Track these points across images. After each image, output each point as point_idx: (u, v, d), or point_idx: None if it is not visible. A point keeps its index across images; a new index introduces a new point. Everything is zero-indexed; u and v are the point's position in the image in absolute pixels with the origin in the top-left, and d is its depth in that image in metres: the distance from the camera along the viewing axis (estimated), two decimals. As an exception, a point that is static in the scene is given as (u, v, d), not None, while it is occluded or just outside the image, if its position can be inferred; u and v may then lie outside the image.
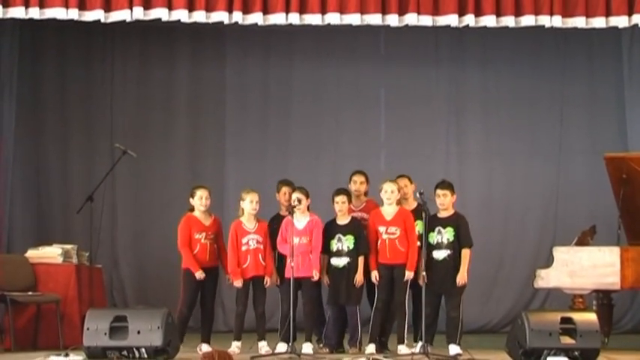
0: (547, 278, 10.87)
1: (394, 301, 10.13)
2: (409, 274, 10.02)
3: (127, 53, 13.90)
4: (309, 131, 13.90)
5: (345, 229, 10.24)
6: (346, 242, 10.21)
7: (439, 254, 9.99)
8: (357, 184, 10.67)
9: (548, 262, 11.08)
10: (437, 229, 10.01)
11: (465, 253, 10.04)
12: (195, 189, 10.45)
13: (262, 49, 13.89)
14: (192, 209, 10.41)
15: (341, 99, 13.94)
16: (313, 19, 10.75)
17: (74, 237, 12.06)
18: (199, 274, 10.17)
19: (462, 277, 9.96)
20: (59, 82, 13.72)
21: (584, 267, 10.69)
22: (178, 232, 10.31)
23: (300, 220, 10.13)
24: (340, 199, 10.24)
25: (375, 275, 10.06)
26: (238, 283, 10.21)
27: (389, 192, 10.11)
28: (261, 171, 13.48)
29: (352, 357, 9.67)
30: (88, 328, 9.29)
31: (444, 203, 10.09)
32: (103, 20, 10.66)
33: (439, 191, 10.13)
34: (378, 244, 10.10)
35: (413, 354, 9.60)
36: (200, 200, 10.34)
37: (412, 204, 10.40)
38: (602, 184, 11.73)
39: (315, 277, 10.12)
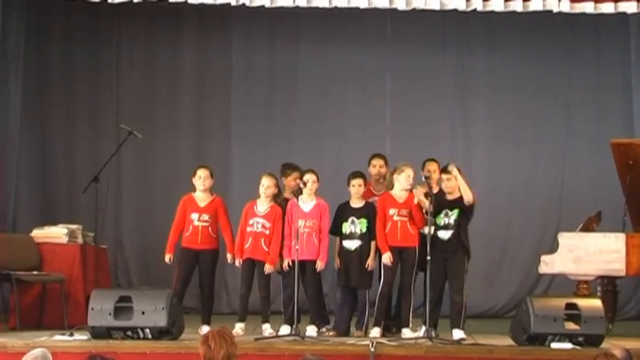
0: (552, 264, 10.88)
1: (401, 284, 10.15)
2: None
3: (133, 36, 13.87)
4: (315, 115, 13.88)
5: (359, 213, 10.25)
6: (359, 225, 10.22)
7: (445, 234, 10.01)
8: (377, 167, 10.66)
9: (552, 247, 11.11)
10: (444, 211, 10.04)
11: (467, 191, 10.05)
12: (196, 168, 10.49)
13: (268, 32, 13.87)
14: (194, 189, 10.43)
15: (346, 83, 13.91)
16: (320, 1, 10.70)
17: (79, 217, 12.07)
18: (167, 258, 10.29)
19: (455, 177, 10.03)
20: (66, 63, 13.70)
21: (589, 253, 10.70)
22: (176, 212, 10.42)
23: (307, 202, 10.12)
24: (357, 182, 10.25)
25: (389, 256, 10.06)
26: (237, 262, 10.25)
27: (410, 178, 10.13)
28: (266, 154, 13.45)
29: (357, 340, 9.68)
30: (92, 308, 9.36)
31: (450, 186, 10.11)
32: (110, 0, 10.64)
33: (444, 175, 10.16)
34: (388, 226, 10.11)
35: (417, 338, 9.61)
36: (199, 180, 10.35)
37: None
38: (607, 171, 11.73)
39: (320, 268, 10.13)
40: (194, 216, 10.32)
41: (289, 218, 10.16)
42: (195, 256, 10.32)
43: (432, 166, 10.47)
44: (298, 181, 10.28)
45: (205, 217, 10.32)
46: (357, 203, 10.30)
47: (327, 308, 10.76)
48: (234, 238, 10.39)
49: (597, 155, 13.00)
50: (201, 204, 10.37)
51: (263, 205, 10.27)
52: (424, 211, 10.00)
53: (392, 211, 10.11)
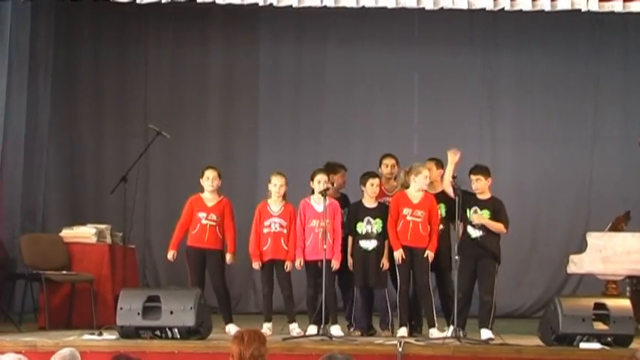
0: (580, 264, 10.84)
1: (417, 284, 10.15)
2: (430, 254, 10.04)
3: (161, 36, 13.93)
4: (342, 115, 13.89)
5: (374, 213, 10.25)
6: (375, 225, 10.22)
7: (474, 232, 10.00)
8: (389, 167, 10.68)
9: (581, 247, 11.07)
10: (474, 208, 10.02)
11: (500, 225, 10.02)
12: (203, 169, 10.48)
13: (295, 32, 13.90)
14: (202, 190, 10.45)
15: (374, 82, 13.91)
16: (347, 1, 10.67)
17: (108, 217, 12.15)
18: (169, 255, 10.31)
19: (482, 219, 9.95)
20: (94, 64, 13.78)
21: (617, 253, 10.66)
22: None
23: (320, 202, 10.09)
24: (376, 181, 10.26)
25: (400, 254, 10.05)
26: (256, 266, 10.26)
27: (428, 179, 10.14)
28: (293, 154, 13.52)
29: (384, 340, 9.68)
30: (121, 308, 9.39)
31: (479, 187, 10.09)
32: (138, 1, 10.67)
33: (473, 176, 10.13)
34: (400, 225, 10.10)
35: (445, 338, 9.59)
36: (207, 181, 10.36)
37: (437, 188, 10.40)
38: (636, 170, 11.70)
39: (335, 267, 10.11)
40: (202, 215, 10.32)
41: (302, 219, 10.18)
42: (202, 256, 10.32)
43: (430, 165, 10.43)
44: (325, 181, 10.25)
45: (213, 216, 10.33)
46: (371, 203, 10.30)
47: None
48: (236, 241, 10.40)
49: (625, 155, 12.96)
50: (209, 204, 10.38)
51: (276, 204, 10.28)
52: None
53: (405, 211, 10.10)
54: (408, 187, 10.19)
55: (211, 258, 10.33)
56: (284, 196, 10.30)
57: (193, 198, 10.45)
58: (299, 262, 10.16)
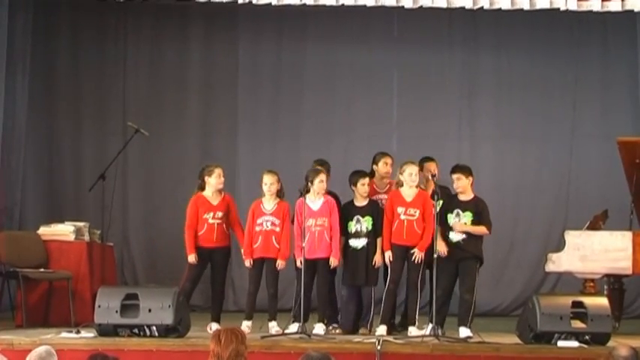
0: (558, 262, 10.86)
1: (407, 280, 10.13)
2: (419, 254, 10.01)
3: (139, 34, 13.87)
4: (322, 113, 13.87)
5: (364, 211, 10.26)
6: (365, 224, 10.23)
7: (455, 237, 10.00)
8: (388, 166, 10.67)
9: (559, 246, 11.10)
10: (456, 211, 10.04)
11: (482, 228, 10.06)
12: (211, 167, 10.41)
13: (275, 30, 13.86)
14: (202, 188, 10.39)
15: (353, 81, 13.89)
16: (327, -1, 10.72)
17: (86, 215, 12.12)
18: (191, 258, 10.22)
19: (464, 227, 9.98)
20: (72, 61, 13.71)
21: (595, 251, 10.69)
22: (187, 213, 10.34)
23: (315, 201, 10.11)
24: (366, 181, 10.27)
25: (389, 256, 10.06)
26: (247, 263, 10.24)
27: (413, 175, 10.11)
28: (273, 152, 13.50)
29: (362, 338, 9.67)
30: (99, 306, 9.37)
31: (460, 186, 10.11)
32: (117, -3, 10.67)
33: (453, 175, 10.15)
34: (395, 225, 10.10)
35: (423, 336, 9.60)
36: (218, 178, 10.31)
37: (430, 186, 10.42)
38: (614, 169, 11.71)
39: (334, 264, 10.12)
40: (208, 215, 10.28)
41: (299, 218, 10.15)
42: (208, 255, 10.32)
43: (432, 166, 10.47)
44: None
45: (219, 214, 10.31)
46: (361, 202, 10.31)
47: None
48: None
49: (604, 153, 12.97)
50: (214, 202, 10.34)
51: (269, 203, 10.26)
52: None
53: (400, 210, 10.10)
54: (402, 185, 10.20)
55: (218, 255, 10.35)
56: (279, 194, 10.26)
57: (196, 198, 10.37)
58: (299, 262, 10.07)
